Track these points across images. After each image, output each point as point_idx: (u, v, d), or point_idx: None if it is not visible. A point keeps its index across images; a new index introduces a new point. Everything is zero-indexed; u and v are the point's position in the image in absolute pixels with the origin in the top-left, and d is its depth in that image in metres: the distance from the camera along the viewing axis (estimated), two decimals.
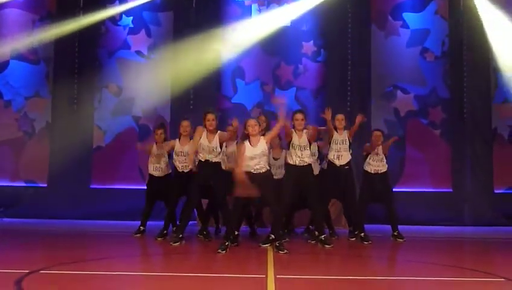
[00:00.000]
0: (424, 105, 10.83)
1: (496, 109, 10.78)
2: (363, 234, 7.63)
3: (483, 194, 10.42)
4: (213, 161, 7.09)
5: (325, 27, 10.87)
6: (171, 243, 7.01)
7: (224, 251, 6.45)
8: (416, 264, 6.18)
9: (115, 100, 10.97)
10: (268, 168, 6.84)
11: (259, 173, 6.66)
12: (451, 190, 10.59)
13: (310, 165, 7.15)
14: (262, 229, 8.16)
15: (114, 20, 11.04)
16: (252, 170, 6.63)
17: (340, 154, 7.68)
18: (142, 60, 11.05)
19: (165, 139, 8.03)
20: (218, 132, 7.11)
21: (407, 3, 10.94)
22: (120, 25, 11.08)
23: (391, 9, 10.96)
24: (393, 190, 8.49)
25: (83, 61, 10.91)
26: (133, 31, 11.07)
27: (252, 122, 6.79)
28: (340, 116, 7.79)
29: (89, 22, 10.66)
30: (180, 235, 7.03)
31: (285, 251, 6.49)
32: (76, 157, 10.52)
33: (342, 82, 10.68)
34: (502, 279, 5.14)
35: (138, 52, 11.04)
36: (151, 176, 8.07)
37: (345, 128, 7.81)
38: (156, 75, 10.78)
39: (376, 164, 7.98)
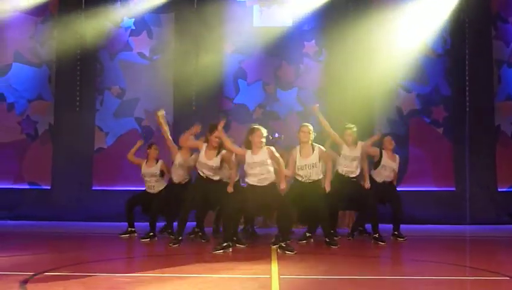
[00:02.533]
0: (426, 103, 10.82)
1: (498, 107, 10.77)
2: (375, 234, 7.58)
3: (486, 193, 10.41)
4: (214, 179, 7.17)
5: (327, 27, 10.86)
6: (170, 244, 7.06)
7: (220, 251, 6.46)
8: (419, 263, 6.18)
9: (117, 102, 11.00)
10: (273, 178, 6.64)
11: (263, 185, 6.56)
12: (454, 189, 10.57)
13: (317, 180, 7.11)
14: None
15: (116, 22, 11.06)
16: (256, 182, 6.56)
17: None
18: (144, 61, 11.07)
19: (157, 157, 8.06)
20: (223, 152, 7.04)
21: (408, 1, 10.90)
22: (122, 27, 11.10)
23: (393, 8, 10.92)
24: (397, 189, 8.44)
25: (85, 63, 10.94)
26: (134, 33, 11.09)
27: (259, 132, 6.59)
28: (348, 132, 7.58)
29: (90, 24, 10.70)
30: (180, 238, 7.10)
31: (295, 251, 6.47)
32: (79, 159, 10.59)
33: (344, 81, 10.66)
34: (507, 277, 5.13)
35: (140, 54, 11.07)
36: (146, 192, 8.09)
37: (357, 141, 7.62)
38: (158, 77, 10.83)
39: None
